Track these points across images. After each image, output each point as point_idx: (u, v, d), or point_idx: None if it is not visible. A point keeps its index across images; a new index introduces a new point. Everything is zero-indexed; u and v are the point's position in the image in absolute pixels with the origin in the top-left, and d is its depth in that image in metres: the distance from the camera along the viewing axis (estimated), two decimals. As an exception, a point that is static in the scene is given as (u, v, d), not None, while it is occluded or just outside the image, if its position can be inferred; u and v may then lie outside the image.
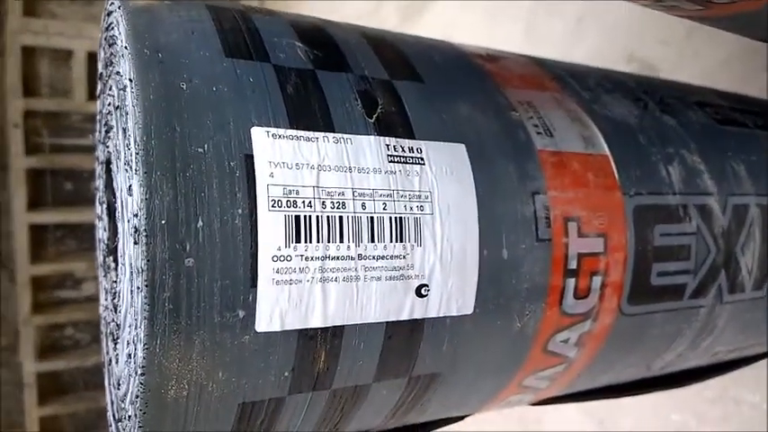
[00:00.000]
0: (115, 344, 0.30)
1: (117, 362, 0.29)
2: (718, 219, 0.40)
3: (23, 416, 1.74)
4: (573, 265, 0.34)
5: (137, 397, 0.25)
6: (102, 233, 0.40)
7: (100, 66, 0.36)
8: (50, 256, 1.76)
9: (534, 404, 0.45)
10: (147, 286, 0.23)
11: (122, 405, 0.27)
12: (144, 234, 0.23)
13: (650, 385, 0.50)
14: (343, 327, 0.28)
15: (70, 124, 1.77)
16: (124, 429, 0.27)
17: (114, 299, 0.31)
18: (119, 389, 0.28)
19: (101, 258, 0.40)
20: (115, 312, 0.30)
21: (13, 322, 1.73)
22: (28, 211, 1.68)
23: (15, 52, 1.67)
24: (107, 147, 0.34)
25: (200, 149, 0.25)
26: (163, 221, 0.24)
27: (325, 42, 0.33)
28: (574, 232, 0.34)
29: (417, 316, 0.30)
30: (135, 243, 0.24)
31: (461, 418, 0.40)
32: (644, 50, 0.88)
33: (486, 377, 0.35)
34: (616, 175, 0.37)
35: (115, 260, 0.30)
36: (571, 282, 0.34)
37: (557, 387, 0.41)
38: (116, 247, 0.29)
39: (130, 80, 0.26)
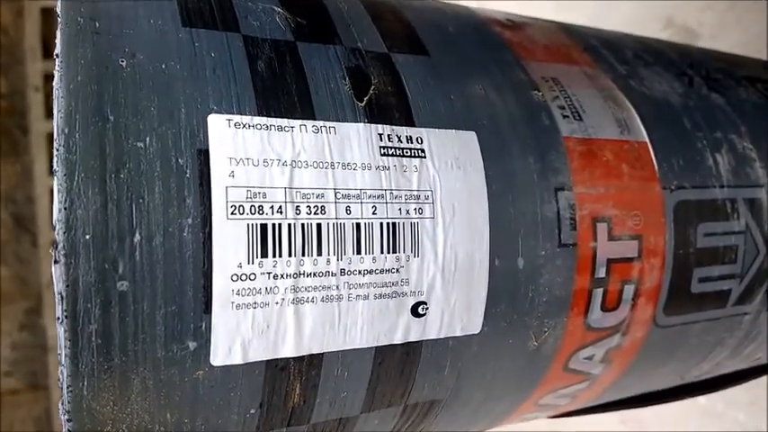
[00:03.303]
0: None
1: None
2: (772, 215, 0.35)
3: (48, 378, 1.75)
4: (601, 273, 0.29)
5: (67, 443, 0.21)
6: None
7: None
8: (71, 221, 1.74)
9: (554, 417, 0.40)
10: (67, 317, 0.19)
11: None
12: (63, 252, 0.19)
13: (684, 392, 0.45)
14: (321, 355, 0.23)
15: (90, 87, 1.73)
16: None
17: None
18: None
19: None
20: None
21: (36, 286, 1.72)
22: (50, 175, 1.65)
23: (34, 14, 1.62)
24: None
25: (139, 144, 0.20)
26: (87, 236, 0.19)
27: (311, 7, 0.27)
28: (603, 235, 0.29)
29: (413, 338, 0.25)
30: (55, 262, 0.19)
31: (469, 436, 0.36)
32: (683, 16, 0.81)
33: (496, 401, 0.30)
34: (655, 166, 0.31)
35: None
36: (598, 292, 0.29)
37: (579, 402, 0.36)
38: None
39: (57, 56, 0.21)
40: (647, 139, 0.31)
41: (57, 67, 0.21)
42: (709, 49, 0.50)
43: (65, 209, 0.19)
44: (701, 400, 0.84)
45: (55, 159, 0.19)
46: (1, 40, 1.63)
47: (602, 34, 0.39)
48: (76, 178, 0.19)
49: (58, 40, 0.21)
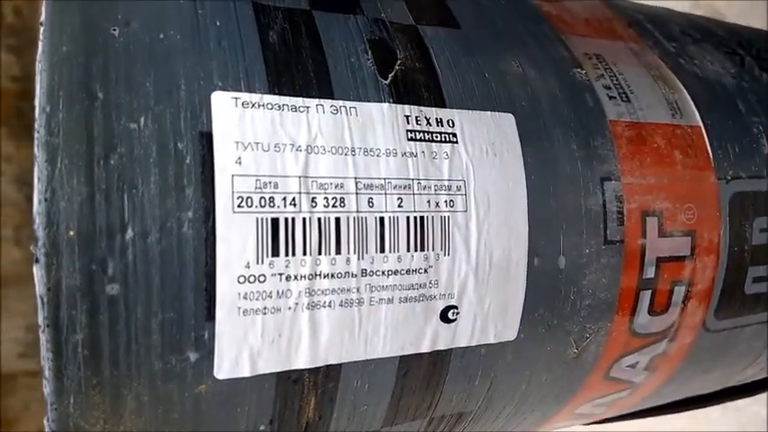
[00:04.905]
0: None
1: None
2: (836, 210, 0.32)
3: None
4: (650, 273, 0.26)
5: (52, 465, 0.18)
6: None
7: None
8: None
9: (587, 424, 0.37)
10: (49, 326, 0.16)
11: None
12: (43, 251, 0.16)
13: (721, 396, 0.42)
14: (339, 366, 0.21)
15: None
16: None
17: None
18: None
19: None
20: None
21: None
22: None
23: (43, -7, 1.60)
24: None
25: (132, 125, 0.17)
26: (71, 232, 0.16)
27: (329, -26, 0.24)
28: (653, 231, 0.26)
29: (442, 347, 0.22)
30: (36, 261, 0.17)
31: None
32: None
33: (529, 412, 0.28)
34: (710, 154, 0.28)
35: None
36: (646, 294, 0.26)
37: (615, 410, 0.34)
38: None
39: (41, 24, 0.18)
40: (700, 124, 0.28)
41: (40, 36, 0.18)
42: (756, 28, 0.46)
43: (45, 200, 0.16)
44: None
45: (35, 143, 0.17)
46: (15, 22, 1.61)
47: (645, 9, 0.35)
48: (59, 165, 0.16)
49: (43, 6, 0.19)
